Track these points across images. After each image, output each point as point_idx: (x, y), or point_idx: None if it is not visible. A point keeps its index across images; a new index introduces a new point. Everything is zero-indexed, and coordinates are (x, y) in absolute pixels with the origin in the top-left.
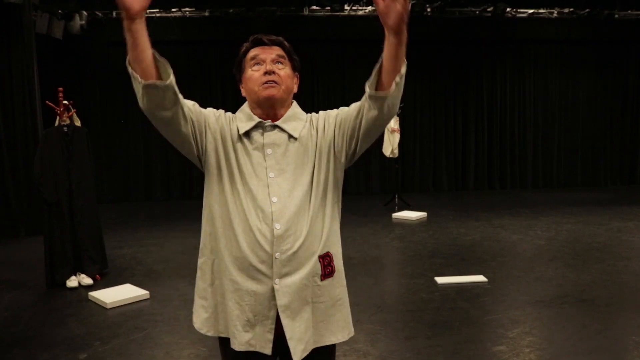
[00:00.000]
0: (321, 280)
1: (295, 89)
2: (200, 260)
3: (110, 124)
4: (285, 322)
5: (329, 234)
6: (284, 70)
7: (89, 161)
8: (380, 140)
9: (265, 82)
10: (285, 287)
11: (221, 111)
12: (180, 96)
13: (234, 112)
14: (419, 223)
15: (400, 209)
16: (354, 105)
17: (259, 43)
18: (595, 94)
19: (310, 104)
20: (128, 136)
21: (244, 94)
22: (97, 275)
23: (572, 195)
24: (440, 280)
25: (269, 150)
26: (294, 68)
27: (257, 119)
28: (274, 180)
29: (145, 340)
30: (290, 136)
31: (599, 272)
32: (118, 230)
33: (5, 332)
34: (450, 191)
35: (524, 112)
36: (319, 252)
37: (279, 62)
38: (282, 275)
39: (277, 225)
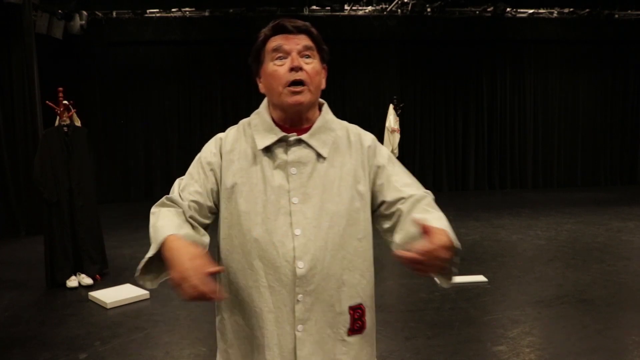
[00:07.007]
0: (348, 335)
1: (323, 85)
2: (217, 319)
3: (110, 124)
4: None
5: (362, 280)
6: (313, 65)
7: (89, 161)
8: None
9: (292, 84)
10: (308, 335)
11: (219, 141)
12: (206, 218)
13: (234, 119)
14: None
15: None
16: (388, 198)
17: (281, 30)
18: (595, 94)
19: None
20: (128, 136)
21: (262, 90)
22: (97, 275)
23: (572, 195)
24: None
25: (293, 170)
26: (323, 60)
27: (280, 133)
28: (297, 207)
29: (145, 340)
30: (319, 155)
31: (599, 272)
32: (118, 230)
33: (5, 332)
34: (450, 191)
35: (524, 112)
36: (349, 301)
37: (307, 55)
38: (305, 321)
39: (300, 264)
